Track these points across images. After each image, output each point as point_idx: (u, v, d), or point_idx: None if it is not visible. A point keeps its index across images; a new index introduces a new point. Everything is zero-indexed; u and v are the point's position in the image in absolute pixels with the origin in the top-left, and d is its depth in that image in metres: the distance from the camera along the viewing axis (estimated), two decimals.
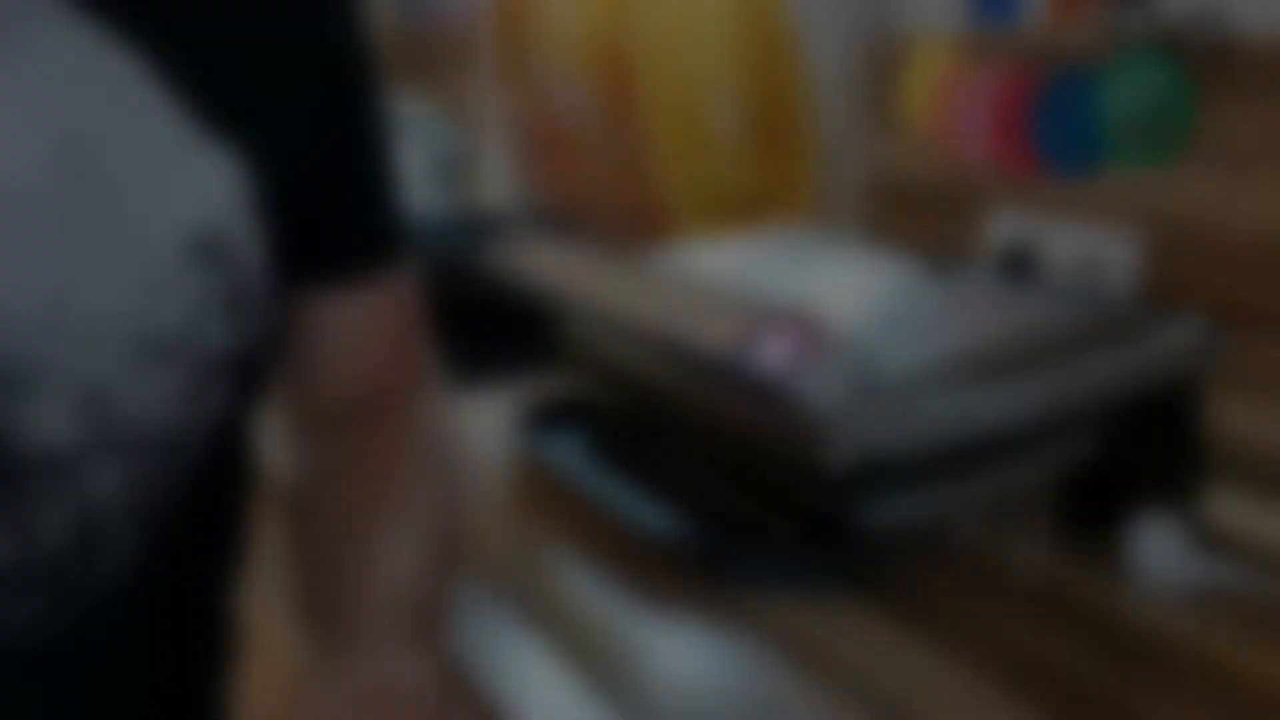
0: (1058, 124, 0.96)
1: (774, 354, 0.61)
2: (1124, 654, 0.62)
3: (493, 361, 1.15)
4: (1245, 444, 0.87)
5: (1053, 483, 0.79)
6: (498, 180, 1.85)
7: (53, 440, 0.44)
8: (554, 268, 0.80)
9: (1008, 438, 0.68)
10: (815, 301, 0.78)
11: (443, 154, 1.87)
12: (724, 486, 0.80)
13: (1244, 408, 0.87)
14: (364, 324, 0.54)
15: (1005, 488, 0.71)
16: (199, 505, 0.50)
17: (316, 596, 0.50)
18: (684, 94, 1.40)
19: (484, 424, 0.97)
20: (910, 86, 1.08)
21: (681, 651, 0.62)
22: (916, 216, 1.10)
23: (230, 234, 0.46)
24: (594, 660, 0.61)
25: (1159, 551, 0.70)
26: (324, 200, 0.51)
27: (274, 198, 0.47)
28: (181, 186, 0.45)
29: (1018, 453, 0.71)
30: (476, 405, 1.03)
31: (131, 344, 0.44)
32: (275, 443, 0.57)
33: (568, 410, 0.94)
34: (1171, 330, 0.74)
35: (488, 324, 1.29)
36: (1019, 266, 0.99)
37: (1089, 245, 0.95)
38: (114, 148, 0.43)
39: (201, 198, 0.45)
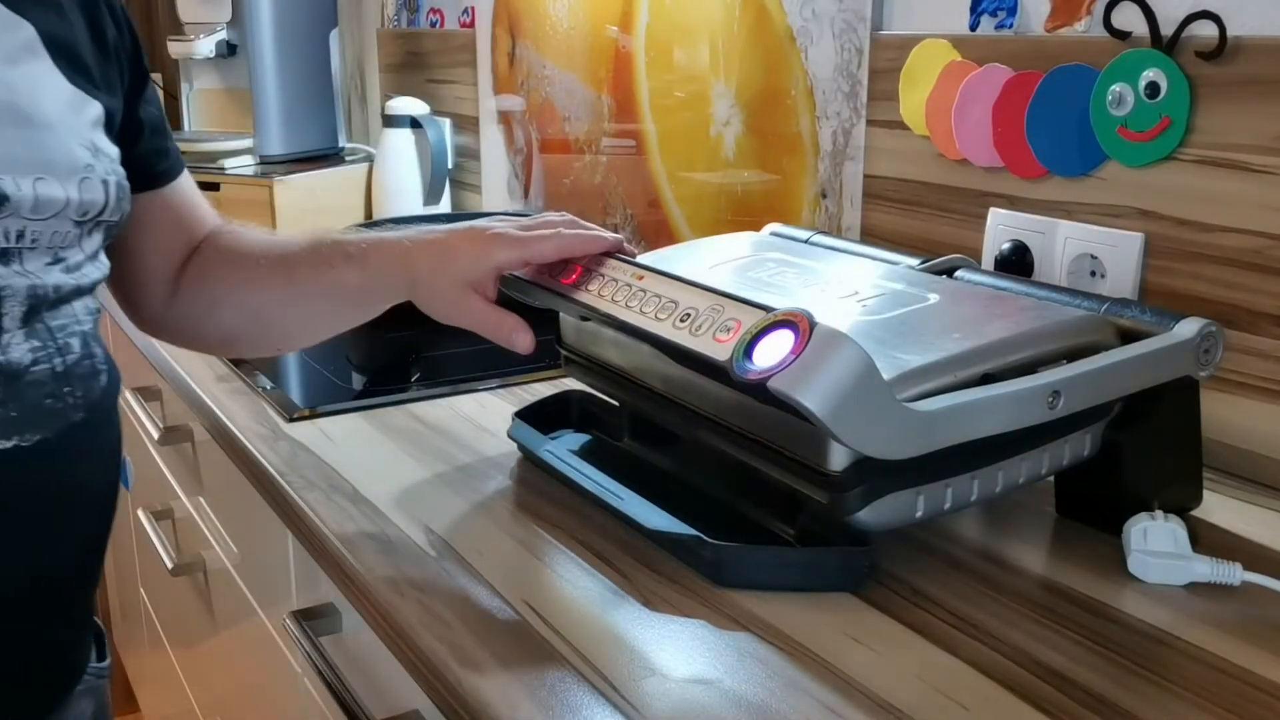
0: (1057, 123, 0.96)
1: (773, 354, 0.61)
2: (1124, 654, 0.62)
3: (492, 361, 1.15)
4: (1245, 444, 0.87)
5: (1053, 483, 0.80)
6: (498, 180, 1.85)
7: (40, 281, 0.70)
8: (553, 268, 0.80)
9: (1008, 437, 0.68)
10: (815, 301, 0.78)
11: (442, 154, 1.87)
12: (724, 486, 0.80)
13: (1244, 408, 0.87)
14: (183, 197, 0.90)
15: (1005, 488, 0.71)
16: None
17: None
18: (684, 94, 1.40)
19: (484, 423, 0.98)
20: (910, 87, 1.08)
21: (681, 651, 0.62)
22: (916, 216, 1.10)
23: (105, 146, 0.74)
24: (593, 660, 0.61)
25: (1159, 551, 0.70)
26: (142, 136, 0.84)
27: (117, 130, 0.78)
28: (79, 116, 0.73)
29: (1018, 453, 0.71)
30: (477, 404, 1.03)
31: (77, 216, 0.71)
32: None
33: (568, 410, 0.94)
34: (1171, 330, 0.74)
35: None
36: (1019, 266, 0.99)
37: (1089, 245, 0.95)
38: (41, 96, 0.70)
39: (89, 125, 0.74)
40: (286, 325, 0.87)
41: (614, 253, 0.80)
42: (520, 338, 0.79)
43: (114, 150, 0.76)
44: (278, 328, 0.87)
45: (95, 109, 0.75)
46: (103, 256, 0.77)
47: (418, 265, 0.79)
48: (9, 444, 0.68)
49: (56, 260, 0.71)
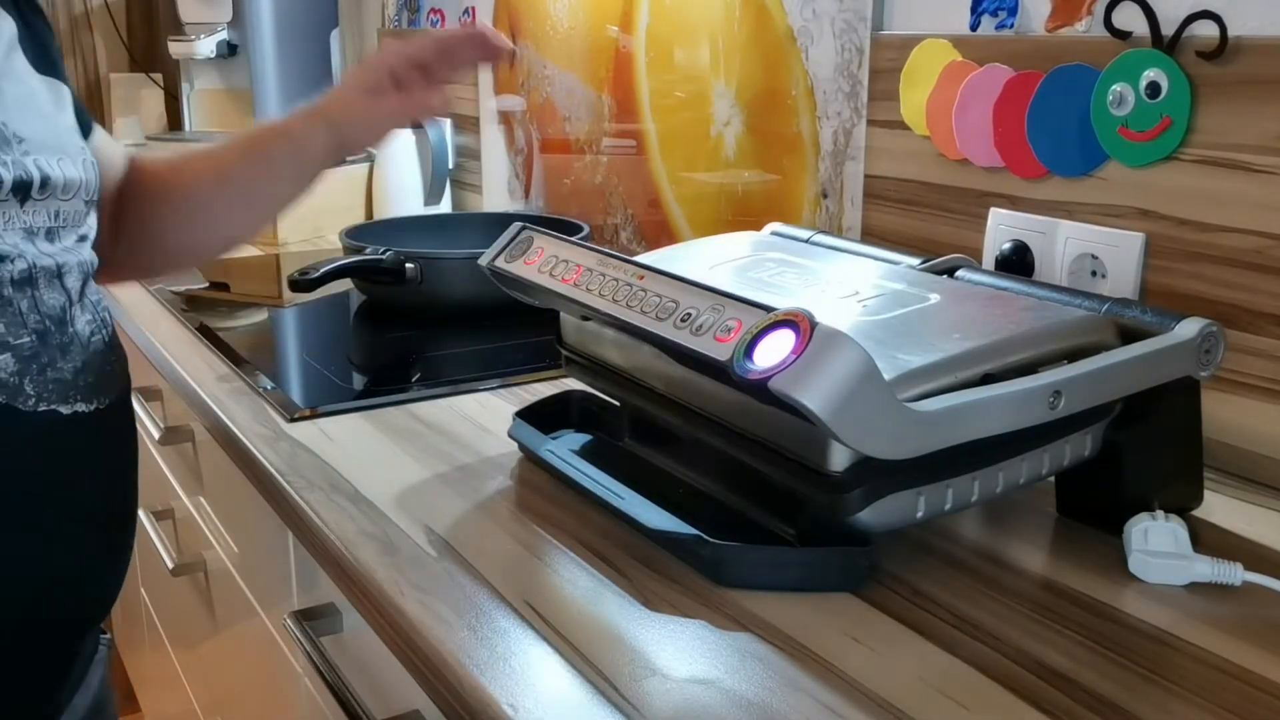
0: (1058, 123, 0.96)
1: (774, 354, 0.61)
2: (1124, 654, 0.62)
3: (492, 361, 1.15)
4: (1246, 444, 0.87)
5: (1053, 483, 0.79)
6: (498, 180, 1.85)
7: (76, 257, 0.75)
8: (554, 268, 0.80)
9: (1008, 438, 0.68)
10: (815, 301, 0.78)
11: (443, 154, 1.87)
12: (724, 486, 0.80)
13: (1244, 408, 0.87)
14: (99, 143, 0.89)
15: (1006, 488, 0.71)
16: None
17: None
18: (684, 94, 1.40)
19: (485, 422, 0.98)
20: (910, 87, 1.08)
21: (681, 651, 0.62)
22: (917, 216, 1.10)
23: (75, 124, 0.80)
24: (593, 660, 0.61)
25: (1159, 551, 0.70)
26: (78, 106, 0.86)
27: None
28: (61, 105, 0.78)
29: (1018, 453, 0.71)
30: (477, 404, 1.03)
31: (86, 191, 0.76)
32: None
33: (568, 410, 0.94)
34: (1172, 330, 0.74)
35: (488, 324, 1.29)
36: (1020, 266, 0.99)
37: (1089, 245, 0.95)
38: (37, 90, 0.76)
39: (71, 110, 0.80)
40: (226, 213, 0.90)
41: (503, 61, 0.89)
42: (434, 99, 0.88)
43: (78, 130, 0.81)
44: (219, 220, 0.91)
45: (67, 93, 0.79)
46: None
47: (330, 106, 0.87)
48: (90, 408, 0.73)
49: (82, 238, 0.76)
